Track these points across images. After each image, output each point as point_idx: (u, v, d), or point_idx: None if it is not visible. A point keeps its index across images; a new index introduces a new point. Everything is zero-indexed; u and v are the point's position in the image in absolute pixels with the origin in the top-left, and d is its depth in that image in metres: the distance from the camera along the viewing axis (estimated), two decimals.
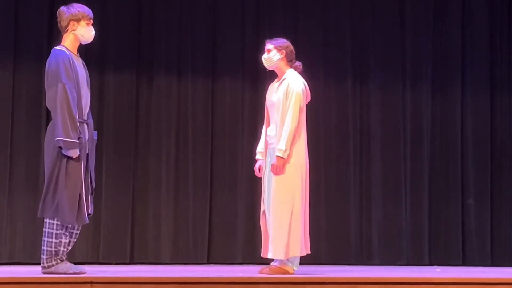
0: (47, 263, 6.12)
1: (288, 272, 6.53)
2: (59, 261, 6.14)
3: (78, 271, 6.14)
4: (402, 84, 9.47)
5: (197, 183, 8.93)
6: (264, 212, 6.72)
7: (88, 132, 6.29)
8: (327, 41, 9.36)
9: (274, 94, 6.70)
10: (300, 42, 9.27)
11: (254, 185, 8.27)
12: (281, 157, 6.47)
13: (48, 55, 8.52)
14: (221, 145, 8.92)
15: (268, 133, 6.73)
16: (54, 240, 6.11)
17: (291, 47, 6.80)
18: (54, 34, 8.54)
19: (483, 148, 9.54)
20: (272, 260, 6.68)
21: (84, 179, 6.18)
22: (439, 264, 9.07)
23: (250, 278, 6.04)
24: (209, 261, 8.80)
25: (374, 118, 9.38)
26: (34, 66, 8.47)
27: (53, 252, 6.10)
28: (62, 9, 6.37)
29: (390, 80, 9.45)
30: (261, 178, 6.82)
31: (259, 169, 6.80)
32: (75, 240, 6.32)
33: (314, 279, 6.01)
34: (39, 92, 8.40)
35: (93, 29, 6.40)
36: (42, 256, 6.14)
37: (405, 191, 9.34)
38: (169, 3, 9.03)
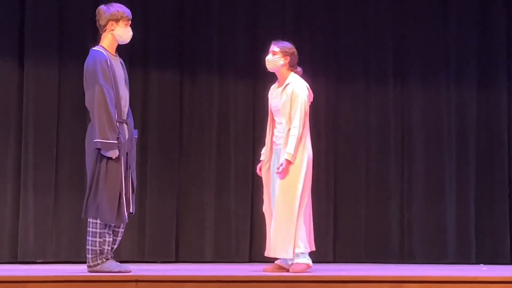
0: (92, 262, 6.17)
1: (309, 266, 6.62)
2: (104, 260, 6.18)
3: (123, 269, 6.18)
4: (446, 80, 9.38)
5: (239, 182, 8.94)
6: (266, 210, 6.84)
7: (127, 132, 6.33)
8: (368, 37, 9.31)
9: (278, 99, 6.79)
10: (340, 41, 9.29)
11: None
12: (289, 161, 6.61)
13: None
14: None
15: (275, 133, 6.84)
16: (98, 239, 6.16)
17: (296, 53, 6.89)
18: (99, 34, 8.63)
19: None
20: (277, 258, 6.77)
21: (124, 178, 6.23)
22: (486, 263, 8.97)
23: (293, 276, 6.05)
24: (251, 260, 8.81)
25: (417, 115, 9.31)
26: (79, 65, 8.44)
27: (98, 251, 6.16)
28: (102, 8, 6.41)
29: (433, 76, 9.37)
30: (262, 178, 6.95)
31: (260, 169, 6.94)
32: (120, 238, 6.37)
33: (358, 278, 6.00)
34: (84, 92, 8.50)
35: (131, 30, 6.42)
36: (87, 255, 6.19)
37: (449, 188, 9.26)
38: (210, 2, 9.05)
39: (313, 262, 6.79)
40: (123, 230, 6.36)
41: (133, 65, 8.50)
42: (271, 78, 7.03)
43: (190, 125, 8.94)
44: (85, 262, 6.27)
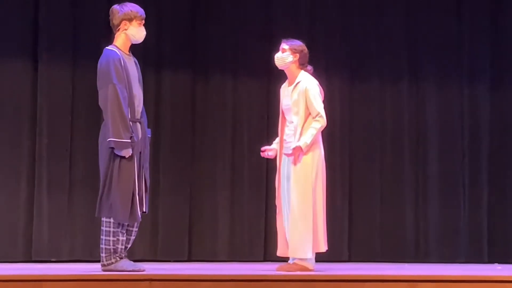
0: (106, 261, 6.18)
1: (308, 269, 6.56)
2: (118, 259, 6.18)
3: (137, 268, 6.18)
4: (459, 80, 9.36)
5: (253, 181, 8.94)
6: (279, 212, 6.81)
7: (141, 131, 6.32)
8: (382, 37, 9.30)
9: (288, 97, 6.77)
10: (355, 41, 9.27)
11: None
12: (301, 148, 6.53)
13: None
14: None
15: (286, 132, 6.81)
16: (111, 238, 6.16)
17: (306, 50, 6.84)
18: (112, 33, 8.62)
19: None
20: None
21: (138, 177, 6.22)
22: (499, 262, 8.95)
23: (308, 276, 6.04)
24: (265, 259, 8.80)
25: (431, 115, 9.30)
26: (93, 64, 8.45)
27: (112, 250, 6.16)
28: (115, 7, 6.41)
29: (446, 76, 9.35)
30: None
31: (264, 150, 6.92)
32: (134, 237, 6.37)
33: (373, 277, 5.98)
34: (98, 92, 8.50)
35: (144, 30, 6.41)
36: (101, 254, 6.20)
37: (463, 188, 9.24)
38: (224, 3, 9.04)
39: (328, 261, 6.76)
40: (137, 229, 6.36)
41: (146, 65, 8.50)
42: (285, 77, 7.02)
43: (203, 125, 8.94)
44: (99, 261, 6.27)
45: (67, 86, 8.53)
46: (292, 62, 6.80)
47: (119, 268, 6.15)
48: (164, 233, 8.70)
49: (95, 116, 8.37)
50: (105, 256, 6.18)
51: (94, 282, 5.63)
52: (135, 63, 6.44)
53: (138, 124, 6.32)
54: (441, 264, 8.75)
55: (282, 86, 6.95)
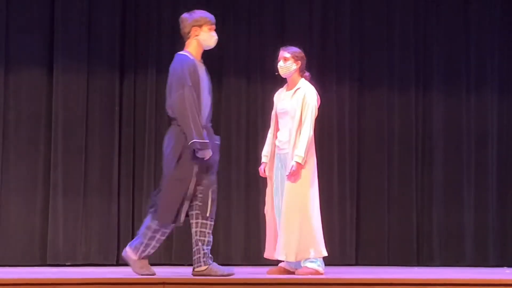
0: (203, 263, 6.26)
1: (319, 273, 6.62)
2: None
3: (150, 272, 6.24)
4: (467, 85, 9.38)
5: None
6: (267, 212, 6.92)
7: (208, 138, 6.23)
8: (391, 44, 9.32)
9: (287, 102, 6.84)
10: (366, 45, 9.31)
11: (325, 185, 8.29)
12: (300, 164, 6.63)
13: (120, 61, 8.63)
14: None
15: (279, 138, 6.88)
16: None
17: (305, 57, 6.94)
18: (126, 41, 8.68)
19: None
20: (280, 261, 6.84)
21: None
22: (507, 266, 8.97)
23: (318, 279, 6.08)
24: None
25: (437, 122, 9.30)
26: (107, 72, 8.63)
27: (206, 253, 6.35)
28: (184, 15, 6.40)
29: (455, 82, 9.37)
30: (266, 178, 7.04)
31: (264, 171, 7.00)
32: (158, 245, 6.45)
33: (383, 281, 6.03)
34: (112, 98, 8.57)
35: (215, 35, 6.40)
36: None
37: (468, 193, 9.26)
38: (237, 7, 9.10)
39: (334, 265, 6.76)
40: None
41: (160, 71, 8.58)
42: (284, 84, 7.07)
43: (217, 128, 8.93)
44: (113, 265, 6.30)
45: (82, 93, 8.58)
46: (295, 70, 6.90)
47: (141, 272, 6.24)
48: (178, 236, 8.74)
49: (110, 121, 8.48)
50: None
51: (108, 286, 5.68)
52: (206, 71, 6.41)
53: (204, 130, 6.22)
54: (449, 267, 8.78)
55: (279, 91, 7.03)
